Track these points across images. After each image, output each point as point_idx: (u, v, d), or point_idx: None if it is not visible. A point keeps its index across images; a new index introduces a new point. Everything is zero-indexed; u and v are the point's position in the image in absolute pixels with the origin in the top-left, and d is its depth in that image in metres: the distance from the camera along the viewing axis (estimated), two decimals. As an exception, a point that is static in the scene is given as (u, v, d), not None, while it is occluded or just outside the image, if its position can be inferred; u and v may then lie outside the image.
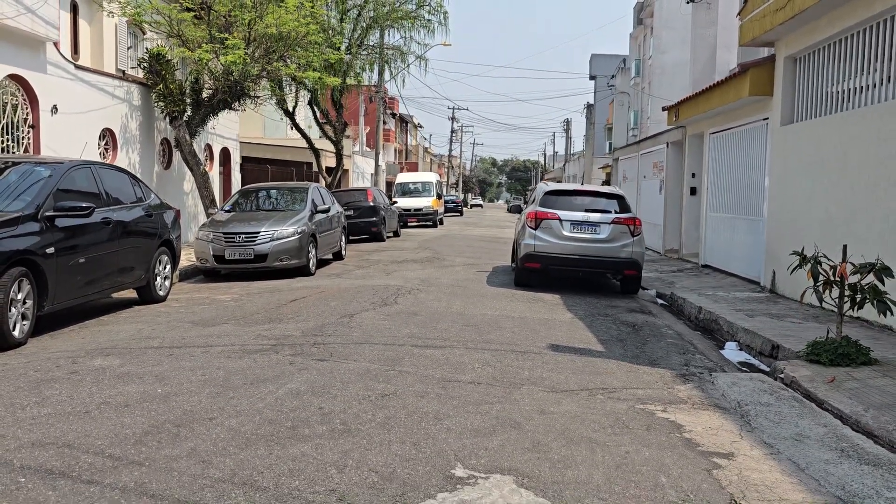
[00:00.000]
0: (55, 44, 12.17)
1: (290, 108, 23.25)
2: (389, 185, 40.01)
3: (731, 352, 7.79)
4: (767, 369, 6.81)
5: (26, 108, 11.66)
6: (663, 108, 18.70)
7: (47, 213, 7.08)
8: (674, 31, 33.74)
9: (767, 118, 11.68)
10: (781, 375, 6.16)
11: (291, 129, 26.08)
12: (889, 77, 8.34)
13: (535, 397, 5.20)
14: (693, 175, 16.45)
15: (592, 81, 57.99)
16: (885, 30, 8.39)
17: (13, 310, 6.48)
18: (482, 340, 7.12)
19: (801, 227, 9.99)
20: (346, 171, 33.42)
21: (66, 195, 7.50)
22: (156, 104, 15.61)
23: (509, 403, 5.01)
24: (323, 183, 22.47)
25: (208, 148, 19.13)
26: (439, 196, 32.95)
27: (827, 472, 3.99)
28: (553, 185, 12.30)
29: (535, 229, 11.09)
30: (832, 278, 6.45)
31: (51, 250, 6.98)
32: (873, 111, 8.41)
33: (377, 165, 33.88)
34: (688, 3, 20.46)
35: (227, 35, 14.93)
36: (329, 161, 27.82)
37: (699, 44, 20.55)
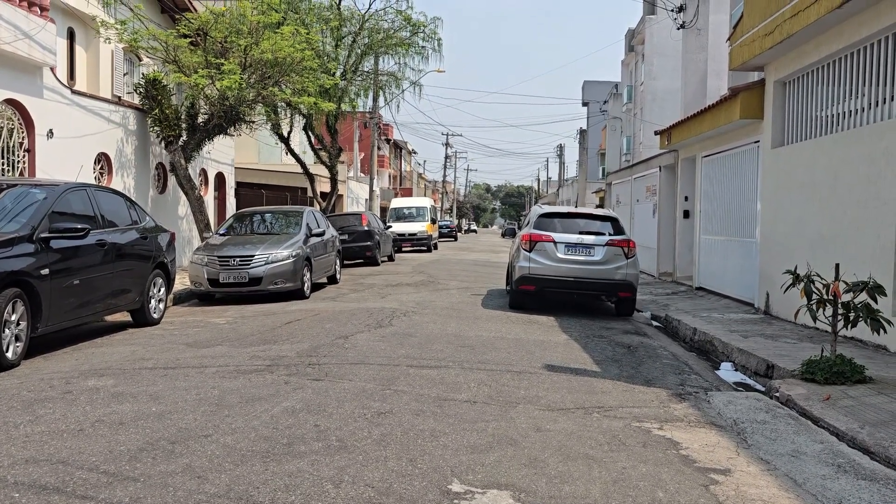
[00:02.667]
0: (52, 69, 12.24)
1: (285, 134, 23.36)
2: (384, 210, 40.10)
3: (727, 372, 7.80)
4: (763, 389, 6.81)
5: (22, 133, 11.70)
6: (656, 132, 18.88)
7: (42, 235, 7.07)
8: (665, 58, 34.17)
9: (758, 141, 11.81)
10: (777, 394, 6.16)
11: (286, 154, 26.20)
12: (877, 101, 8.47)
13: (531, 415, 5.19)
14: (686, 198, 16.57)
15: (585, 108, 58.50)
16: (871, 54, 8.54)
17: (6, 331, 6.45)
18: (478, 361, 7.11)
19: (793, 247, 10.06)
20: (341, 196, 33.53)
21: (61, 217, 7.51)
22: (151, 129, 15.67)
23: (505, 421, 5.00)
24: (318, 208, 22.52)
25: (203, 173, 19.18)
26: (433, 221, 33.04)
27: (824, 488, 3.98)
28: (547, 208, 12.37)
29: (529, 251, 11.12)
30: (825, 297, 6.48)
31: (45, 272, 6.97)
32: (862, 133, 8.53)
33: (372, 190, 34.01)
34: (678, 28, 20.76)
35: (223, 60, 15.06)
36: (324, 186, 27.90)
37: (690, 69, 20.80)
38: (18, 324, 6.64)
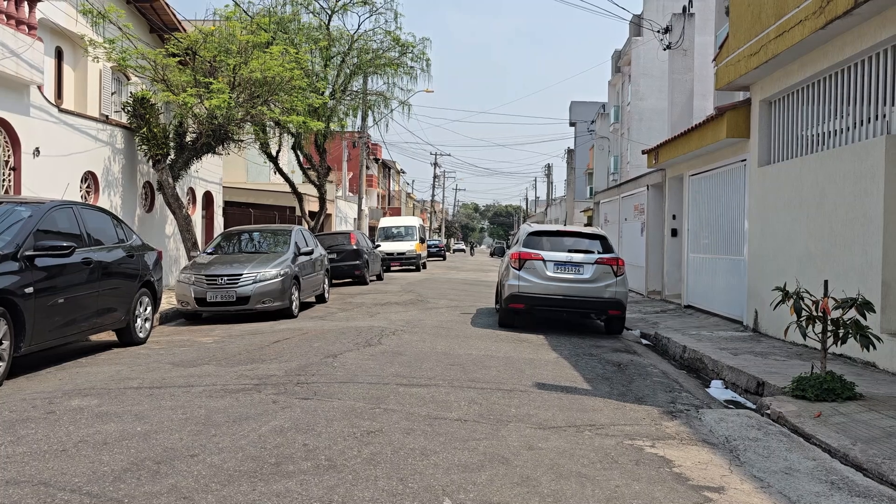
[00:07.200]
0: (39, 87, 12.19)
1: (274, 153, 23.34)
2: (372, 229, 40.06)
3: (717, 390, 7.77)
4: (754, 406, 6.80)
5: (8, 151, 11.61)
6: (643, 152, 19.01)
7: (27, 253, 6.98)
8: (651, 79, 34.56)
9: (745, 159, 11.90)
10: (768, 411, 6.15)
11: (275, 173, 26.15)
12: (861, 119, 8.56)
13: (522, 434, 5.13)
14: (674, 217, 16.65)
15: (573, 127, 58.93)
16: (855, 74, 8.65)
17: (-11, 350, 6.34)
18: (468, 379, 7.05)
19: (781, 265, 10.11)
20: (329, 215, 33.47)
21: (46, 235, 7.42)
22: (139, 148, 15.61)
23: (497, 440, 4.94)
24: (306, 227, 22.45)
25: (191, 191, 19.10)
26: (422, 240, 33.02)
27: (818, 505, 3.95)
28: (536, 227, 12.37)
29: (518, 270, 11.11)
30: (815, 313, 6.50)
31: (30, 290, 6.87)
32: (847, 151, 8.61)
33: (360, 210, 33.99)
34: (664, 49, 21.00)
35: (211, 79, 15.05)
36: (312, 205, 27.86)
37: (676, 89, 21.03)
38: (1, 343, 6.52)
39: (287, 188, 25.06)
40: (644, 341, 11.29)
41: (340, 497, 3.74)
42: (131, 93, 16.02)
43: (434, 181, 77.39)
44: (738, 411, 6.38)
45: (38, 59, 11.72)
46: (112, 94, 16.28)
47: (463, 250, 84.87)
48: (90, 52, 14.40)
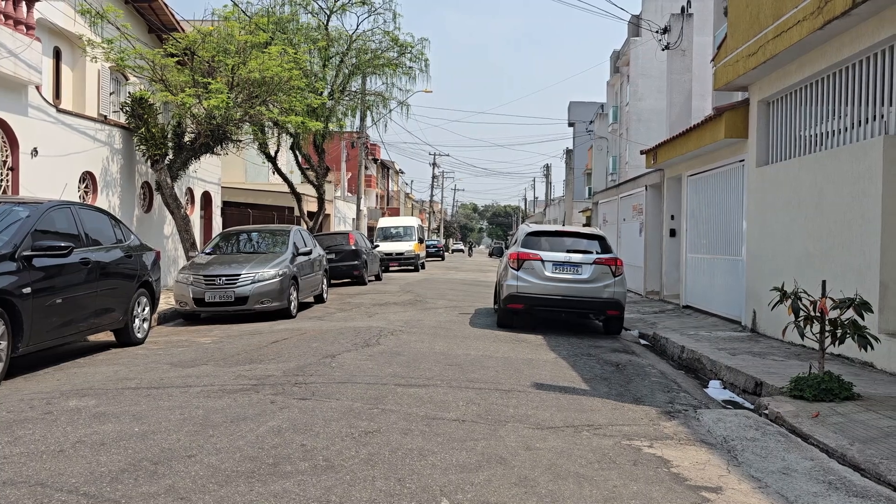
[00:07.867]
0: (37, 87, 12.18)
1: (273, 153, 23.33)
2: (371, 229, 40.06)
3: (715, 390, 7.78)
4: (752, 406, 6.80)
5: (6, 151, 11.60)
6: (642, 152, 19.02)
7: (25, 253, 6.97)
8: (649, 79, 34.61)
9: (743, 160, 11.91)
10: (766, 411, 6.15)
11: (273, 173, 26.15)
12: (859, 120, 8.57)
13: (520, 434, 5.13)
14: (672, 217, 16.66)
15: (571, 128, 58.99)
16: (852, 74, 8.65)
17: (-14, 351, 6.33)
18: (466, 379, 7.05)
19: (779, 265, 10.11)
20: (328, 215, 33.48)
21: (44, 235, 7.41)
22: (137, 148, 15.60)
23: (495, 440, 4.94)
24: (305, 227, 22.44)
25: (189, 192, 19.10)
26: (421, 241, 33.03)
27: (816, 505, 3.95)
28: (535, 227, 12.36)
29: (517, 270, 11.11)
30: (813, 314, 6.50)
31: (27, 290, 6.86)
32: (845, 151, 8.62)
33: (359, 210, 33.98)
34: (663, 50, 21.02)
35: (210, 80, 15.04)
36: (311, 206, 27.85)
37: (675, 89, 21.05)
38: (-1, 343, 6.53)
39: (286, 188, 25.05)
40: (642, 341, 11.29)
41: (338, 497, 3.74)
42: (130, 93, 16.01)
43: (433, 181, 77.42)
44: (736, 411, 6.39)
45: (36, 59, 11.72)
46: (110, 94, 16.29)
47: (461, 250, 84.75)
48: (88, 52, 14.39)
